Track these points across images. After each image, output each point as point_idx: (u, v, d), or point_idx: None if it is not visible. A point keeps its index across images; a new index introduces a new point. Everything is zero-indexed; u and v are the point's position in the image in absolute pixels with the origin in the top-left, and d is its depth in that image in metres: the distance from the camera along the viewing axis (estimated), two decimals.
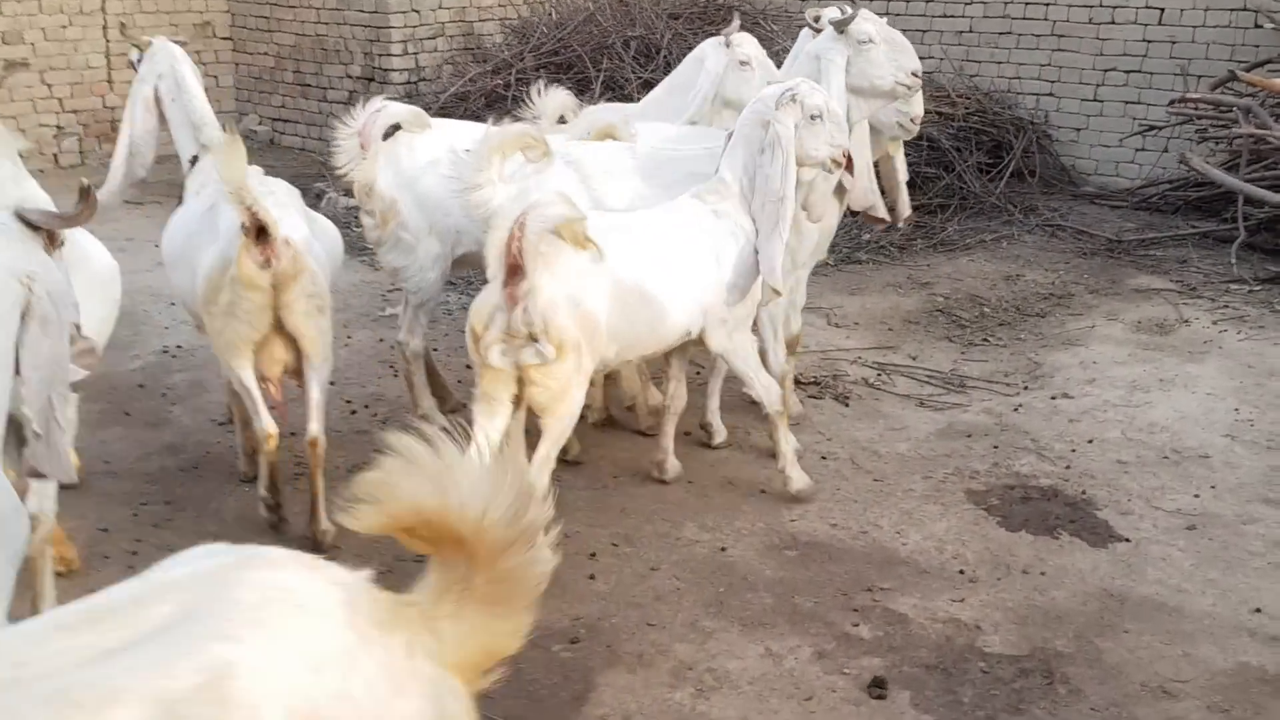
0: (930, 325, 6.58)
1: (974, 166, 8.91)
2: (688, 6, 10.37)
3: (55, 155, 10.37)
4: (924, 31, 10.17)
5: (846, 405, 5.48)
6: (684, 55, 6.80)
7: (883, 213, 5.05)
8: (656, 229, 4.05)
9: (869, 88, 4.57)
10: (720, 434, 5.00)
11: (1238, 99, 7.57)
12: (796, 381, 5.72)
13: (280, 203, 4.09)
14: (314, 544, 4.02)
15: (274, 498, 4.14)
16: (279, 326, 3.93)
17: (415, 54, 10.30)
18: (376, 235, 4.81)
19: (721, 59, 5.09)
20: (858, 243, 7.83)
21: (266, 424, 3.99)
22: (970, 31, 9.96)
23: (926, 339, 6.37)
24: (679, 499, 4.53)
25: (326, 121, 10.76)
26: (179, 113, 4.64)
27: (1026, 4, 9.64)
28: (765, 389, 4.33)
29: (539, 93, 5.14)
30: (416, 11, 10.21)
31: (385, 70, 10.24)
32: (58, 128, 10.38)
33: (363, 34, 10.32)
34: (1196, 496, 4.55)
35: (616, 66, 9.05)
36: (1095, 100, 9.43)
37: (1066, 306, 6.84)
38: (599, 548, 4.16)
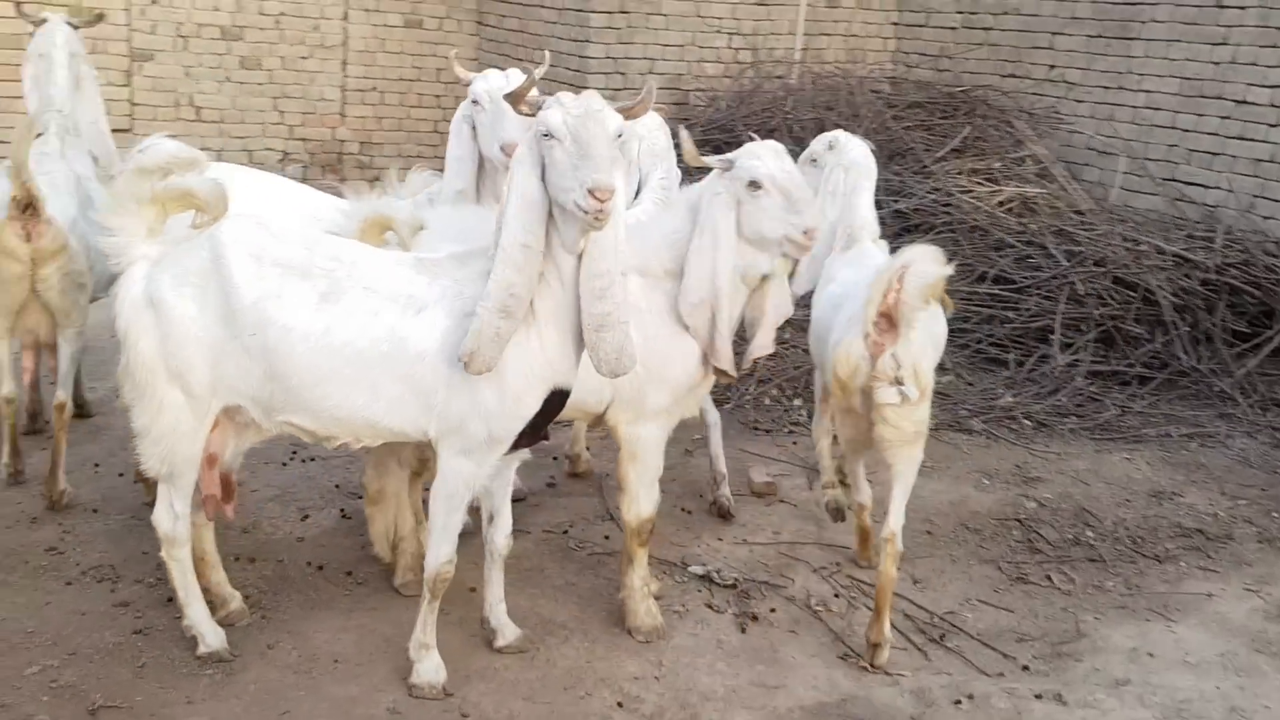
0: (988, 540, 4.81)
1: (1216, 332, 6.74)
2: (924, 99, 8.98)
3: None
4: (1214, 155, 8.02)
5: (742, 632, 3.98)
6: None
7: (725, 363, 3.65)
8: None
9: None
10: (506, 633, 3.74)
11: None
12: (709, 579, 4.31)
13: (54, 184, 4.40)
14: (50, 501, 4.40)
15: (15, 463, 4.56)
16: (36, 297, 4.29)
17: None
18: None
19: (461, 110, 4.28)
20: (982, 407, 6.07)
21: (6, 389, 4.47)
22: (1271, 161, 7.66)
23: (963, 559, 4.63)
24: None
25: None
26: (38, 93, 4.86)
27: None
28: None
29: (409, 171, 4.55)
30: (621, 74, 9.52)
31: None
32: (284, 153, 10.68)
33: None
34: None
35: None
36: None
37: (1207, 554, 4.78)
38: None
